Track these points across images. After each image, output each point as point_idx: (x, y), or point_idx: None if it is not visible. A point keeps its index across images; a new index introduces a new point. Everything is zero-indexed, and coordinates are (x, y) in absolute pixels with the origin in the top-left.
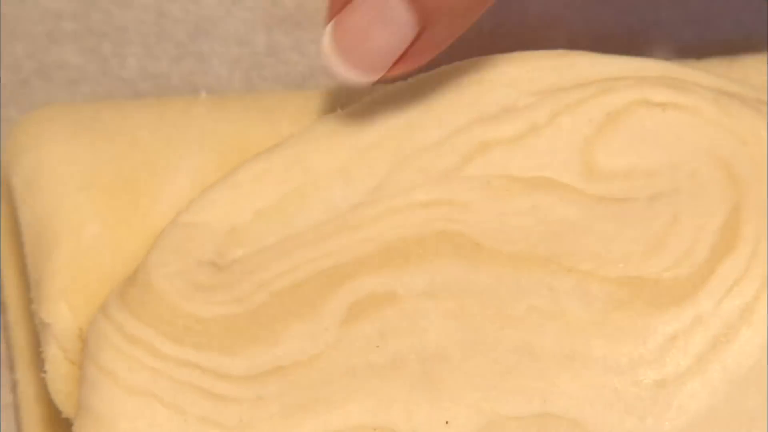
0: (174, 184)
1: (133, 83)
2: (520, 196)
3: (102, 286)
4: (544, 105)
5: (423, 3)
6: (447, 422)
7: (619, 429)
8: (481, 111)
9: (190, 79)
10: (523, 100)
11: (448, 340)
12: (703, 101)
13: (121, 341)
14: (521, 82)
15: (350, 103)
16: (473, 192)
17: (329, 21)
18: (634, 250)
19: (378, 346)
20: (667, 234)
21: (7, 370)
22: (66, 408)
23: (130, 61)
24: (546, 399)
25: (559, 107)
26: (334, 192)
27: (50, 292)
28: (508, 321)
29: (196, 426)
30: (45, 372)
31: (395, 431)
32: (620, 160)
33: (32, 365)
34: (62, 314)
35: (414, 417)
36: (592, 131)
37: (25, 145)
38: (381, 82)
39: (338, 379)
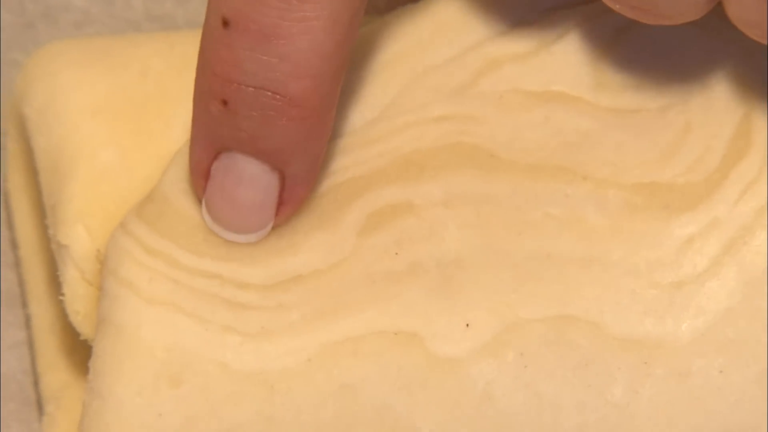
0: (186, 109)
1: (138, 25)
2: (532, 109)
3: (118, 209)
4: (553, 22)
5: (264, 150)
6: (467, 325)
7: (637, 330)
8: (491, 29)
9: (195, 19)
10: (532, 17)
11: (466, 247)
12: (709, 16)
13: (140, 254)
14: (530, 0)
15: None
16: (486, 106)
17: (200, 200)
18: (648, 158)
19: (396, 254)
20: (679, 141)
21: (18, 308)
22: (84, 329)
23: (135, 3)
24: (565, 302)
25: (569, 24)
26: (349, 109)
27: (67, 214)
28: (525, 228)
29: (217, 334)
30: (63, 295)
31: (416, 335)
32: (630, 72)
33: (46, 297)
34: (79, 236)
35: (434, 321)
36: (602, 46)
37: (38, 75)
38: (276, 227)
39: (358, 287)
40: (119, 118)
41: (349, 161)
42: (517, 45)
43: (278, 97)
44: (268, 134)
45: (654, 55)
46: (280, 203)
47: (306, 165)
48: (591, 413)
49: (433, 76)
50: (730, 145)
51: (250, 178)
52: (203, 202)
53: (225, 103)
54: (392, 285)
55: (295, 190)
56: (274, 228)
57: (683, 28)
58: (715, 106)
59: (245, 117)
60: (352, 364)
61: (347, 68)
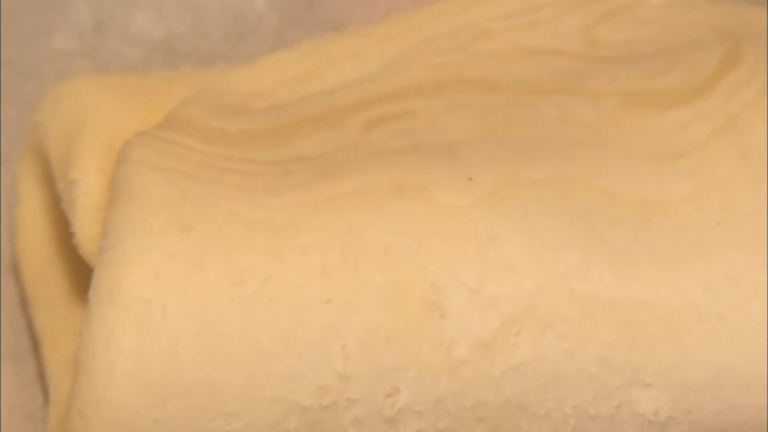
0: None
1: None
2: (529, 58)
3: None
4: (547, 4)
5: None
6: (470, 179)
7: (637, 193)
8: (486, 11)
9: None
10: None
11: (467, 131)
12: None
13: (152, 141)
14: None
15: None
16: (484, 56)
17: None
18: (640, 77)
19: (400, 139)
20: (668, 66)
21: None
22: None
23: None
24: (565, 168)
25: (563, 7)
26: (349, 68)
27: (78, 154)
28: (525, 122)
29: (227, 190)
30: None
31: (420, 187)
32: (622, 35)
33: None
34: (90, 170)
35: (437, 177)
36: (594, 20)
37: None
38: None
39: (363, 159)
40: (131, 94)
41: (353, 91)
42: (512, 21)
43: None
44: None
45: (644, 26)
46: None
47: None
48: (594, 255)
49: (431, 43)
50: (719, 62)
51: None
52: None
53: None
54: (396, 155)
55: None
56: None
57: (674, 10)
58: (702, 46)
59: None
60: (359, 210)
61: None
